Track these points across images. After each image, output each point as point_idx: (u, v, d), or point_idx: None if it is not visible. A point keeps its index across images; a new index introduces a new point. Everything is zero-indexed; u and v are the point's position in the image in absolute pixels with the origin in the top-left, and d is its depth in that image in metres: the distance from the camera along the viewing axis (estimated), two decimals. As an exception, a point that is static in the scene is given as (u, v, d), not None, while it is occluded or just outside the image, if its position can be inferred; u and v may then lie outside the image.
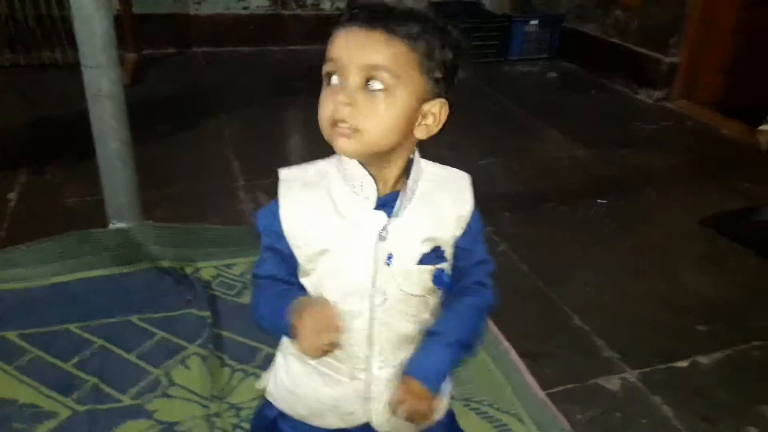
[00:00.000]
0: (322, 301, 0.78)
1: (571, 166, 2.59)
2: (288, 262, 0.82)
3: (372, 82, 0.72)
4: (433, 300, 0.85)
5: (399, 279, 0.81)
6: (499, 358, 1.47)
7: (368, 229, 0.79)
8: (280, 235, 0.80)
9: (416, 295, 0.82)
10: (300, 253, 0.81)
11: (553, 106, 3.27)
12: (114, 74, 1.66)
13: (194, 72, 3.46)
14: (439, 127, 0.79)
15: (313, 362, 0.84)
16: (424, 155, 0.83)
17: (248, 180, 2.26)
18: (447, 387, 0.91)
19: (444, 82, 0.77)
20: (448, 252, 0.84)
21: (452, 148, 2.17)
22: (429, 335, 0.84)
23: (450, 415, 0.99)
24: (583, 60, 3.80)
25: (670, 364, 1.53)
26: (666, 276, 1.88)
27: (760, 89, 2.90)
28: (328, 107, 0.74)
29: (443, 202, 0.83)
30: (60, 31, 3.19)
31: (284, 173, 0.82)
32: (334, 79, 0.74)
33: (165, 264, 1.73)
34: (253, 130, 2.71)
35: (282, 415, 0.93)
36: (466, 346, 0.85)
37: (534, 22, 3.90)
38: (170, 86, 3.18)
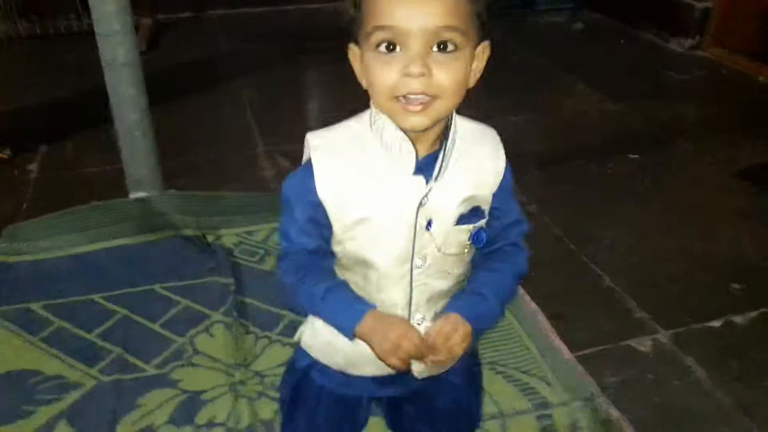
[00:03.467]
0: (396, 322, 0.78)
1: (600, 120, 2.50)
2: (322, 232, 0.80)
3: (444, 45, 0.68)
4: (468, 256, 0.85)
5: (439, 241, 0.80)
6: (526, 320, 1.44)
7: (408, 197, 0.77)
8: (316, 204, 0.78)
9: (454, 255, 0.82)
10: (337, 223, 0.79)
11: (581, 58, 3.16)
12: (130, 42, 1.62)
13: (210, 36, 3.40)
14: (481, 72, 0.76)
15: None
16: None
17: (268, 145, 2.22)
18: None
19: (486, 24, 0.73)
20: (487, 209, 0.83)
21: (477, 105, 2.10)
22: (467, 293, 0.84)
23: (469, 363, 1.01)
24: (611, 9, 3.64)
25: (703, 324, 1.48)
26: (700, 233, 1.81)
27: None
28: (390, 78, 0.68)
29: (481, 158, 0.81)
30: (75, -3, 3.15)
31: (315, 140, 0.79)
32: (392, 47, 0.68)
33: (187, 232, 1.72)
34: (271, 94, 2.66)
35: (315, 364, 0.95)
36: (500, 310, 0.84)
37: (560, -31, 3.74)
38: (187, 51, 3.13)
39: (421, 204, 0.77)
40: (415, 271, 0.81)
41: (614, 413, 1.21)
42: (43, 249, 1.63)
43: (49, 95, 2.56)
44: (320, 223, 0.79)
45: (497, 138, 0.85)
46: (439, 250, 0.80)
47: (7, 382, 1.26)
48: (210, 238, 1.71)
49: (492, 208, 0.84)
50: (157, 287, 1.53)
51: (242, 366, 1.32)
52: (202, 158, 2.15)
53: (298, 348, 0.99)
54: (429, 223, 0.78)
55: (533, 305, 1.47)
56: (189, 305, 1.49)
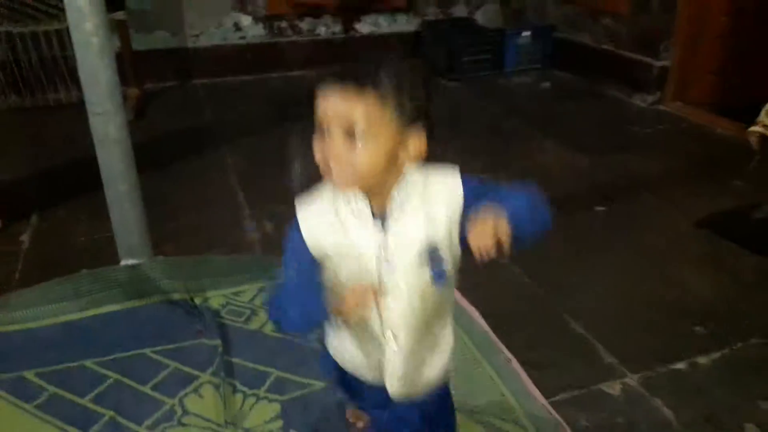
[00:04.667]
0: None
1: (569, 174, 2.63)
2: (311, 266, 0.96)
3: (352, 133, 0.85)
4: (438, 294, 0.95)
5: (401, 283, 0.92)
6: (501, 368, 1.51)
7: (367, 246, 0.92)
8: (305, 247, 0.94)
9: (420, 293, 0.93)
10: (318, 258, 0.95)
11: (549, 115, 3.33)
12: (120, 119, 1.73)
13: (195, 103, 3.54)
14: (421, 151, 0.90)
15: (348, 335, 1.01)
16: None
17: (253, 209, 2.32)
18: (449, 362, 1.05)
19: (419, 116, 0.88)
20: (446, 251, 0.92)
21: (449, 163, 2.22)
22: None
23: (446, 391, 1.12)
24: (577, 68, 3.85)
25: (669, 366, 1.56)
26: (664, 279, 1.91)
27: (751, 89, 2.93)
28: (321, 151, 0.88)
29: (434, 204, 0.92)
30: (63, 71, 3.29)
31: (300, 203, 0.97)
32: (324, 128, 0.87)
33: (175, 296, 1.79)
34: (255, 159, 2.78)
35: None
36: (541, 209, 0.94)
37: (526, 33, 3.96)
38: (172, 119, 3.26)
39: (379, 250, 0.91)
40: (384, 307, 0.94)
41: (587, 455, 1.28)
42: (35, 317, 1.69)
43: (39, 165, 2.66)
44: (309, 260, 0.95)
45: (455, 173, 0.94)
46: (403, 289, 0.92)
47: (3, 449, 1.30)
48: (198, 300, 1.78)
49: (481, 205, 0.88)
50: (147, 351, 1.59)
51: (231, 424, 1.38)
52: (189, 223, 2.23)
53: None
54: (389, 265, 0.91)
55: (507, 353, 1.55)
56: (178, 367, 1.55)
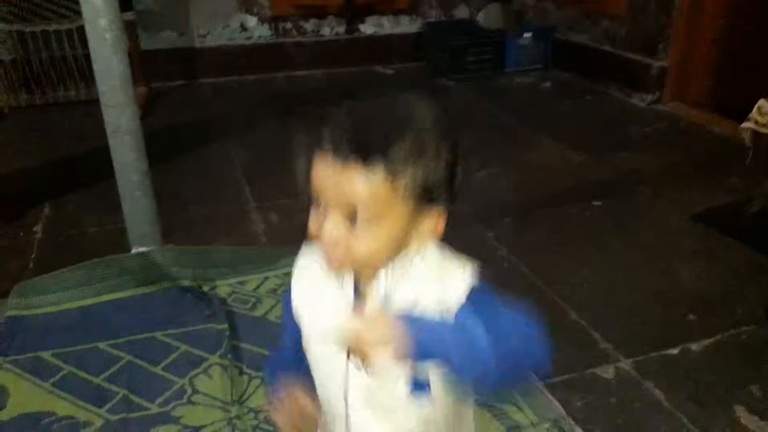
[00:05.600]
0: (297, 396, 0.80)
1: (567, 171, 2.69)
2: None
3: (353, 216, 0.67)
4: (416, 409, 0.77)
5: (373, 386, 0.76)
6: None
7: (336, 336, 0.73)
8: (293, 309, 0.82)
9: (393, 403, 0.77)
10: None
11: (549, 115, 3.39)
12: (132, 111, 1.80)
13: (202, 102, 3.61)
14: (438, 232, 0.72)
15: None
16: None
17: (258, 201, 2.38)
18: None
19: (440, 193, 0.69)
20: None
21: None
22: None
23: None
24: (577, 69, 3.91)
25: (662, 352, 1.62)
26: (659, 271, 1.97)
27: (748, 88, 2.99)
28: (316, 228, 0.69)
29: (426, 298, 0.72)
30: (72, 69, 3.35)
31: (300, 261, 0.82)
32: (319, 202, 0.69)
33: (184, 283, 1.85)
34: (260, 153, 2.84)
35: None
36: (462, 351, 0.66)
37: (527, 35, 4.02)
38: (180, 117, 3.33)
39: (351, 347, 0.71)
40: (350, 407, 0.79)
41: (580, 432, 1.34)
42: (51, 303, 1.76)
43: (51, 159, 2.73)
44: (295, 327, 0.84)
45: (459, 277, 0.74)
46: (373, 394, 0.76)
47: (23, 422, 1.37)
48: (206, 288, 1.84)
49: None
50: (158, 334, 1.65)
51: (237, 403, 1.44)
52: (197, 215, 2.30)
53: None
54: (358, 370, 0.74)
55: (505, 339, 1.61)
56: (188, 350, 1.61)
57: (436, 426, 0.79)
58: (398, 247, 0.71)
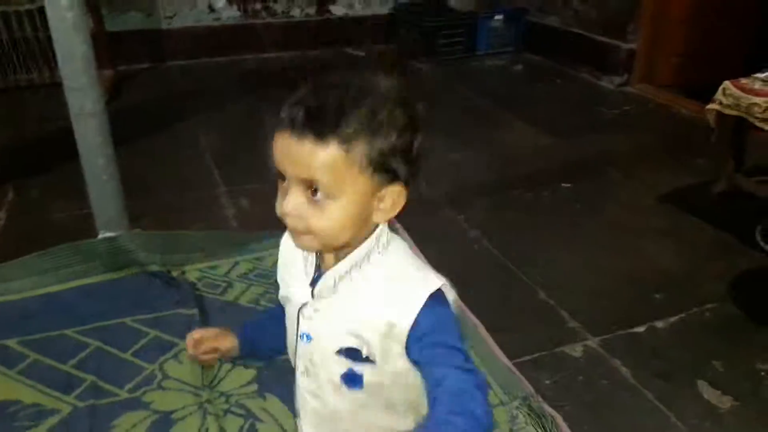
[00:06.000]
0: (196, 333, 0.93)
1: (537, 153, 2.71)
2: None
3: (312, 189, 0.69)
4: (348, 393, 0.80)
5: (315, 358, 0.79)
6: (469, 332, 1.58)
7: (295, 304, 0.82)
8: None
9: (330, 382, 0.80)
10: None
11: (520, 97, 3.40)
12: (95, 93, 1.75)
13: (169, 85, 3.55)
14: (399, 209, 0.74)
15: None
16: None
17: (228, 185, 2.36)
18: None
19: (400, 166, 0.72)
20: (374, 354, 0.76)
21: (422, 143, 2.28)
22: None
23: None
24: (548, 51, 3.93)
25: (629, 330, 1.65)
26: (626, 251, 2.00)
27: (715, 70, 3.03)
28: (280, 205, 0.73)
29: (375, 300, 0.75)
30: (35, 52, 3.26)
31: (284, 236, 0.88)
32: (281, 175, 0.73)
33: (152, 268, 1.82)
34: (229, 136, 2.81)
35: None
36: None
37: (499, 17, 4.02)
38: (147, 100, 3.27)
39: (302, 315, 0.80)
40: (299, 377, 0.85)
41: (549, 409, 1.35)
42: (16, 290, 1.71)
43: (14, 143, 2.66)
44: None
45: (421, 293, 0.75)
46: (314, 369, 0.80)
47: (-13, 412, 1.34)
48: (174, 273, 1.82)
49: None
50: (127, 320, 1.63)
51: (208, 387, 1.43)
52: (165, 200, 2.27)
53: None
54: (304, 335, 0.80)
55: (475, 319, 1.62)
56: (158, 335, 1.59)
57: (370, 410, 0.82)
58: (359, 224, 0.73)
